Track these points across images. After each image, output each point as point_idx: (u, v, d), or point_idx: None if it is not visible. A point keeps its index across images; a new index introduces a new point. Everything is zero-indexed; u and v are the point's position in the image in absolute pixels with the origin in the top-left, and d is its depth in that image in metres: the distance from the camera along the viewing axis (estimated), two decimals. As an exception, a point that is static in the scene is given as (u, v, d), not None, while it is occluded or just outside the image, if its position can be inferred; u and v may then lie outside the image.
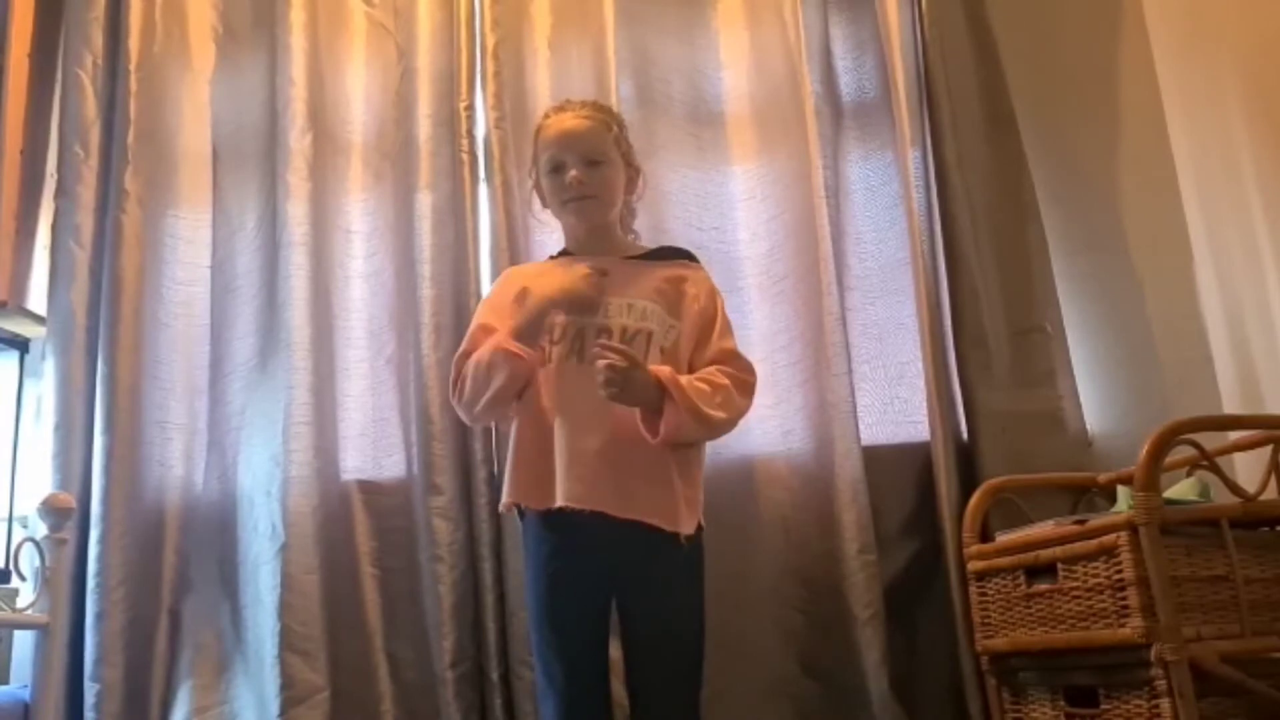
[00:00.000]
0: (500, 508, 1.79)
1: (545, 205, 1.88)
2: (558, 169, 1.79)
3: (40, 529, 2.13)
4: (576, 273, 1.73)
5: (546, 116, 1.85)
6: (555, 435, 1.66)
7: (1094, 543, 1.65)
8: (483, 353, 1.71)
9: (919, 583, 2.16)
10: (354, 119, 2.49)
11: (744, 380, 1.73)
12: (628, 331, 1.71)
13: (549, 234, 2.27)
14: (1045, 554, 1.75)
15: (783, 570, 2.18)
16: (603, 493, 1.61)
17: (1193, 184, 2.23)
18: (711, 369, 1.71)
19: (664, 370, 1.64)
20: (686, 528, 1.65)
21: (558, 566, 1.67)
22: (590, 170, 1.77)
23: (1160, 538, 1.56)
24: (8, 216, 2.37)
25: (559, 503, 1.61)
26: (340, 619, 2.20)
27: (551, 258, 1.91)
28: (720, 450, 2.16)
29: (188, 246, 2.45)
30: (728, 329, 1.79)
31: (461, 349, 1.79)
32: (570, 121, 1.80)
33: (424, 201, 2.36)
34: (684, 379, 1.65)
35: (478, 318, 1.83)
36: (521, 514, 1.74)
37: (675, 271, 1.80)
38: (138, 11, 2.49)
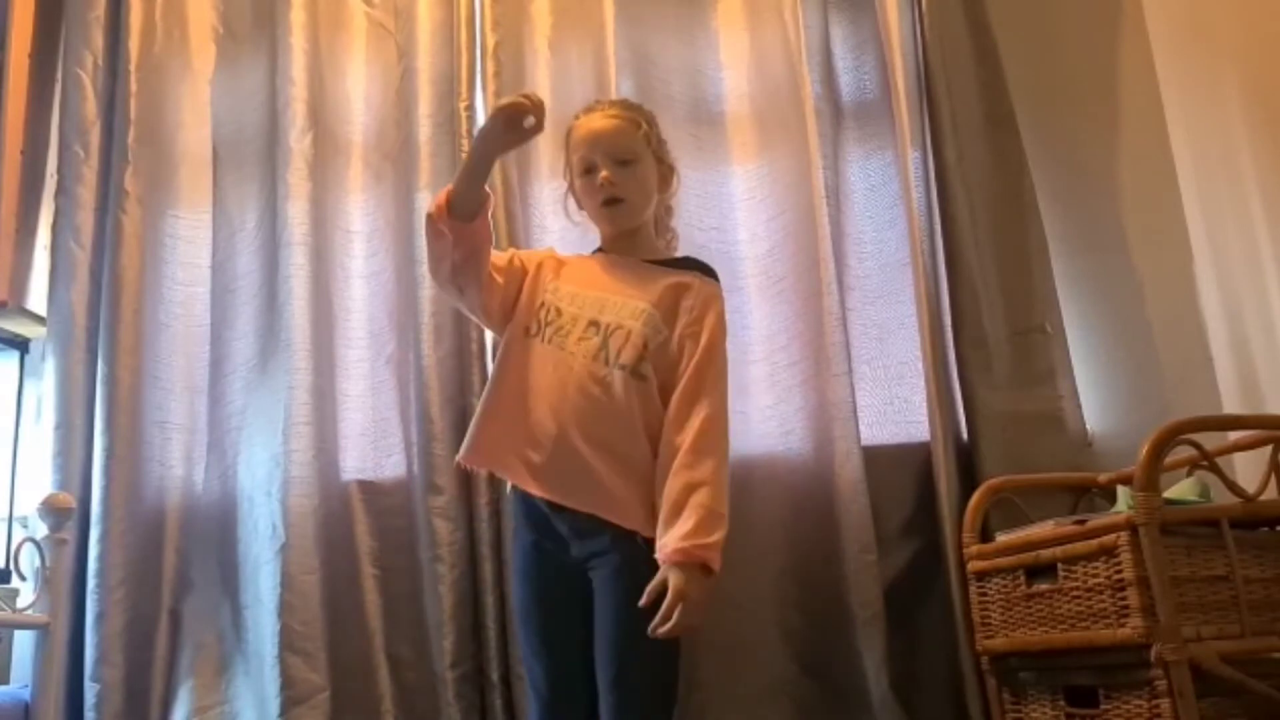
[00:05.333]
0: (458, 459, 1.75)
1: (581, 208, 1.87)
2: (590, 170, 1.77)
3: (40, 529, 2.13)
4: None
5: (576, 118, 1.84)
6: (523, 409, 1.67)
7: (1094, 543, 1.65)
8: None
9: (919, 583, 2.16)
10: (354, 119, 2.49)
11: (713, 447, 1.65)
12: (608, 327, 1.68)
13: (550, 235, 2.28)
14: (1045, 554, 1.75)
15: (782, 570, 2.17)
16: (566, 484, 1.62)
17: (1193, 184, 2.23)
18: (680, 478, 1.60)
19: (671, 554, 1.54)
20: (644, 528, 1.60)
21: (531, 562, 1.68)
22: (621, 170, 1.75)
23: (1160, 538, 1.56)
24: (8, 216, 2.37)
25: (530, 490, 1.64)
26: (340, 619, 2.20)
27: (593, 253, 1.87)
28: (720, 450, 2.16)
29: (188, 246, 2.45)
30: (715, 380, 1.67)
31: None
32: (599, 121, 1.79)
33: (424, 201, 2.35)
34: (688, 542, 1.54)
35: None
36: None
37: (681, 279, 1.76)
38: (138, 11, 2.49)
